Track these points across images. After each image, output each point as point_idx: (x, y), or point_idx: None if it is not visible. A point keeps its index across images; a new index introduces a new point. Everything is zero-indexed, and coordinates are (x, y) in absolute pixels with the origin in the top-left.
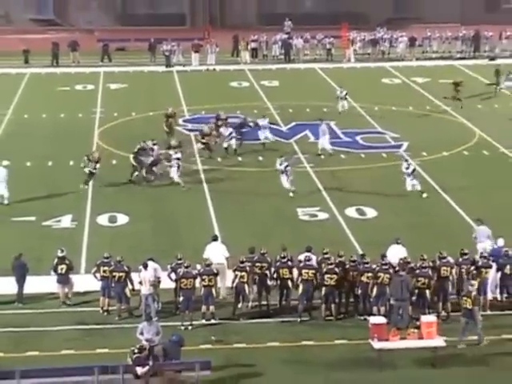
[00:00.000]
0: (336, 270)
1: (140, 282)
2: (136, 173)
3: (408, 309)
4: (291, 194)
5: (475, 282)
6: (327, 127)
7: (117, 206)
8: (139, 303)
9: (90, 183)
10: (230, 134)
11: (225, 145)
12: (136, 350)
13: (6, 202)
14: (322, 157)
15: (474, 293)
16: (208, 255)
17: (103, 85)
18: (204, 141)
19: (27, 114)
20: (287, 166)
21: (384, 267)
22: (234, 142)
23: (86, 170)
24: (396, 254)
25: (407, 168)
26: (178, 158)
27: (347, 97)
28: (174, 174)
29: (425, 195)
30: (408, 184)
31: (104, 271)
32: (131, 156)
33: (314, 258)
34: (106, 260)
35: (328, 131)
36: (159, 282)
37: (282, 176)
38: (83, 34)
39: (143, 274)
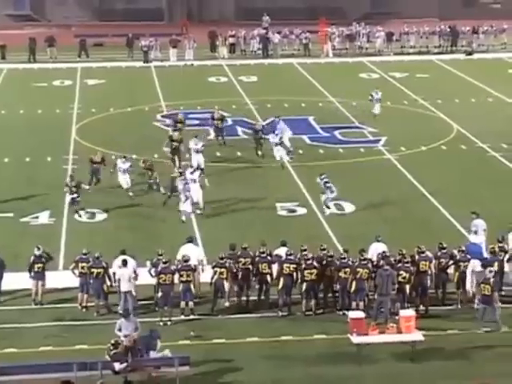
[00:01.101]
0: (315, 264)
1: (119, 279)
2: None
3: (388, 303)
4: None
5: (493, 269)
6: (284, 123)
7: (95, 202)
8: (118, 300)
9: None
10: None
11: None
12: (111, 347)
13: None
14: (301, 151)
15: (492, 279)
16: (181, 256)
17: (81, 80)
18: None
19: (4, 110)
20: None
21: (363, 262)
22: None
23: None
24: (377, 251)
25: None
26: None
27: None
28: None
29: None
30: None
31: (82, 267)
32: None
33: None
34: (84, 256)
35: (287, 128)
36: (135, 278)
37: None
38: (60, 30)
39: (122, 271)
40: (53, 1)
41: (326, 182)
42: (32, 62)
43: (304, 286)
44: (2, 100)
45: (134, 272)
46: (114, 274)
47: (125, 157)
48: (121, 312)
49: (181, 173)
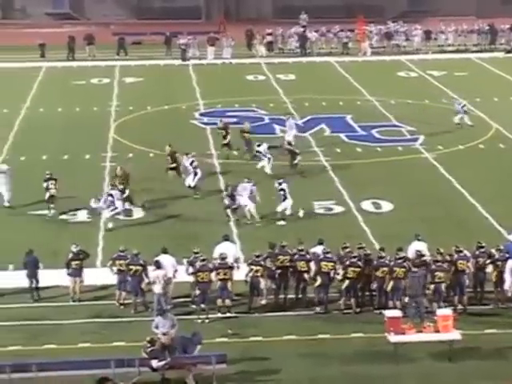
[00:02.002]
0: (359, 263)
1: (153, 282)
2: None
3: (423, 303)
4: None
5: None
6: (294, 123)
7: (133, 199)
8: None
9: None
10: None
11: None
12: (148, 344)
13: (6, 204)
14: (338, 150)
15: None
16: (217, 255)
17: (119, 78)
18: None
19: (43, 108)
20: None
21: (398, 261)
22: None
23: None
24: (416, 250)
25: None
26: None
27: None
28: (190, 180)
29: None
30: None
31: (120, 265)
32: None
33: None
34: (121, 254)
35: (295, 126)
36: (170, 279)
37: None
38: (99, 28)
39: (156, 273)
40: None
41: (282, 190)
42: (71, 60)
43: (346, 283)
44: (40, 98)
45: (174, 270)
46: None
47: (187, 154)
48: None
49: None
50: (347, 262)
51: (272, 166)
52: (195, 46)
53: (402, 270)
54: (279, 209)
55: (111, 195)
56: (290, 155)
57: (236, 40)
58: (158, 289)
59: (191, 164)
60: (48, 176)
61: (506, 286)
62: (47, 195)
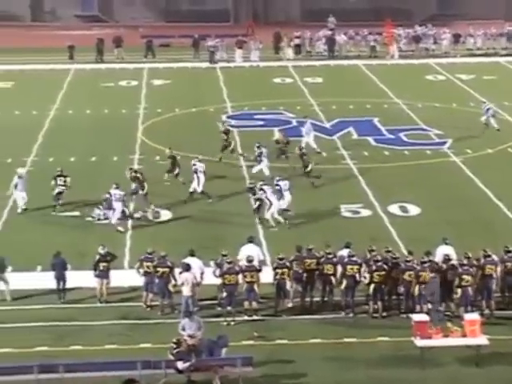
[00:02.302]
0: (385, 266)
1: (181, 284)
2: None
3: (439, 308)
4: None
5: None
6: (312, 125)
7: (160, 201)
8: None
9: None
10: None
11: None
12: (174, 345)
13: (19, 210)
14: (366, 153)
15: None
16: (242, 257)
17: (147, 81)
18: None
19: (72, 110)
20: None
21: (425, 265)
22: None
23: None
24: (444, 254)
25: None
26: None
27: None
28: (196, 186)
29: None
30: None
31: (147, 267)
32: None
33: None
34: (149, 255)
35: (313, 129)
36: (198, 283)
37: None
38: (127, 30)
39: (185, 276)
40: (120, 2)
41: (277, 185)
42: (99, 63)
43: (372, 287)
44: (69, 100)
45: (201, 272)
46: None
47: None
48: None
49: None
50: (373, 267)
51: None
52: (223, 48)
53: (429, 274)
54: (267, 216)
55: (109, 194)
56: (301, 161)
57: (264, 43)
58: (186, 291)
59: (193, 168)
60: (58, 173)
61: None
62: (55, 191)
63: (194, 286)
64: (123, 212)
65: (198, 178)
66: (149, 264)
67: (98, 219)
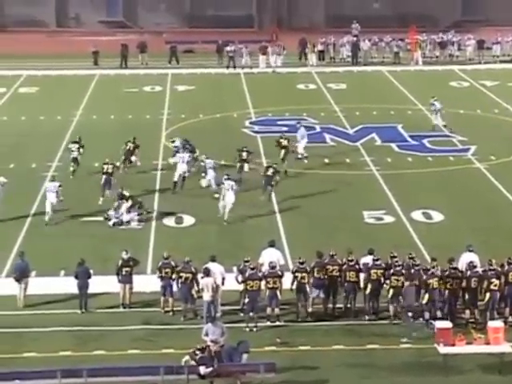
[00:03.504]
0: (403, 271)
1: (202, 289)
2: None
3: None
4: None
5: None
6: (306, 131)
7: (183, 207)
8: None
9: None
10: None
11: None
12: (197, 351)
13: (46, 218)
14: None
15: None
16: (263, 261)
17: (171, 86)
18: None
19: (96, 115)
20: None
21: (452, 272)
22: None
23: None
24: (468, 261)
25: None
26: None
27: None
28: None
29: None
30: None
31: (166, 272)
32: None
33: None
34: (166, 261)
35: (306, 135)
36: (218, 287)
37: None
38: (152, 36)
39: (205, 281)
40: (145, 8)
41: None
42: (124, 68)
43: (391, 292)
44: (93, 105)
45: (222, 278)
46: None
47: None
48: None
49: None
50: (391, 271)
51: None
52: (246, 54)
53: (456, 280)
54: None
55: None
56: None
57: (288, 49)
58: (207, 296)
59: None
60: (76, 139)
61: None
62: (71, 157)
63: (214, 290)
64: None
65: (207, 173)
66: (167, 270)
67: (109, 219)
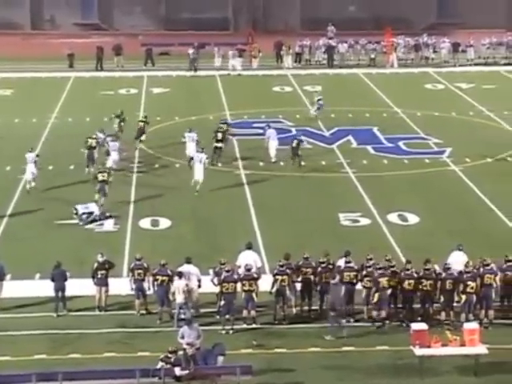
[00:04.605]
0: (374, 272)
1: (173, 292)
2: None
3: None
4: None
5: None
6: (275, 133)
7: (159, 209)
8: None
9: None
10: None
11: None
12: (170, 355)
13: (28, 186)
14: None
15: None
16: (240, 263)
17: (146, 89)
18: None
19: (71, 118)
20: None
21: (426, 273)
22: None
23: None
24: (457, 260)
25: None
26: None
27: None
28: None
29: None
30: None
31: (138, 274)
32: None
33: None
34: (138, 262)
35: (276, 137)
36: (192, 289)
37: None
38: (127, 39)
39: (177, 283)
40: (120, 10)
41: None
42: (99, 71)
43: (364, 292)
44: (68, 108)
45: (198, 280)
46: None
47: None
48: (182, 318)
49: None
50: (363, 272)
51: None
52: (219, 56)
53: (430, 282)
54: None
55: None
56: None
57: (263, 51)
58: (179, 299)
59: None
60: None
61: None
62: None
63: (185, 293)
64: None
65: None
66: (140, 271)
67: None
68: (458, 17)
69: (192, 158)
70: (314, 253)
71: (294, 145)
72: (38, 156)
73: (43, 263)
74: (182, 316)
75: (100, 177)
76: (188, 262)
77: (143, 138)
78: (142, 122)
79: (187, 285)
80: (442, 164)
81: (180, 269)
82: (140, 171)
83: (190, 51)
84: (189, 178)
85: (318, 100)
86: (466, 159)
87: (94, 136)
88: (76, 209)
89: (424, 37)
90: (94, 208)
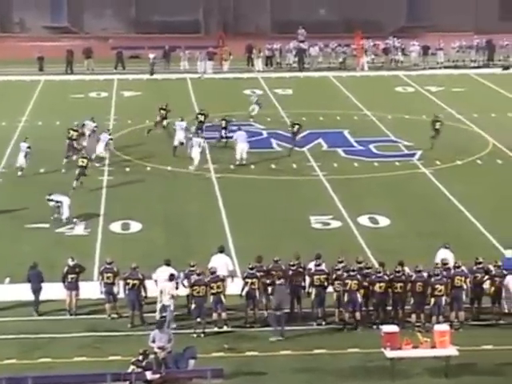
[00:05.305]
0: (345, 274)
1: (161, 291)
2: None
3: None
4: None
5: None
6: (245, 135)
7: (130, 213)
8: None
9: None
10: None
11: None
12: (141, 357)
13: (19, 173)
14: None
15: None
16: (212, 266)
17: (117, 92)
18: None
19: (41, 121)
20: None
21: (397, 275)
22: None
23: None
24: (445, 258)
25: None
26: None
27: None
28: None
29: None
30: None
31: (108, 277)
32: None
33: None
34: (108, 266)
35: (246, 140)
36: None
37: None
38: (97, 42)
39: (165, 284)
40: (90, 13)
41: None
42: (69, 74)
43: (334, 296)
44: (38, 111)
45: (176, 282)
46: (156, 281)
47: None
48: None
49: None
50: (333, 276)
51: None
52: (185, 59)
53: (400, 284)
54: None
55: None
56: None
57: (234, 54)
58: (165, 300)
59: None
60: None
61: (504, 302)
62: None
63: (171, 296)
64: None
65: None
66: (109, 275)
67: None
68: (427, 20)
69: (176, 147)
70: (285, 256)
71: (223, 125)
72: (29, 148)
73: (13, 267)
74: (163, 314)
75: (80, 162)
76: (167, 264)
77: (165, 123)
78: (163, 109)
79: (177, 288)
80: (412, 167)
81: (171, 272)
82: (111, 174)
83: (151, 55)
84: (160, 181)
85: (256, 101)
86: (436, 162)
87: (75, 128)
88: (50, 197)
89: (394, 40)
90: (64, 200)
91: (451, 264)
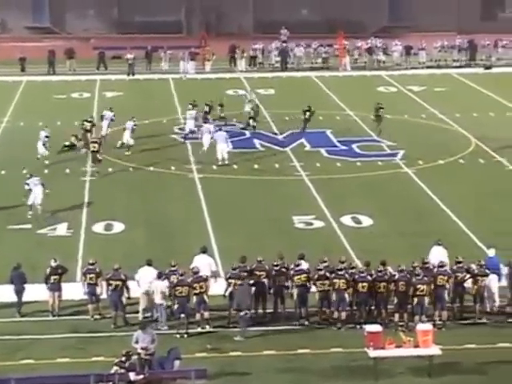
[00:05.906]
0: (327, 274)
1: (152, 291)
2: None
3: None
4: None
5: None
6: (224, 136)
7: (112, 213)
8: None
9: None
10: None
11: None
12: (124, 358)
13: (44, 160)
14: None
15: None
16: (195, 266)
17: (99, 93)
18: None
19: (23, 122)
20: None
21: (379, 275)
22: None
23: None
24: (437, 255)
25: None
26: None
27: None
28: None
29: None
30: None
31: (91, 278)
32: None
33: (304, 264)
34: (91, 266)
35: (226, 140)
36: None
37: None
38: (79, 42)
39: (156, 284)
40: (72, 13)
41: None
42: (51, 75)
43: (318, 296)
44: (20, 112)
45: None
46: (138, 281)
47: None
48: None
49: None
50: (315, 276)
51: None
52: (166, 60)
53: (383, 284)
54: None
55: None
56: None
57: (216, 54)
58: (157, 299)
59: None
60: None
61: (496, 300)
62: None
63: (163, 294)
64: None
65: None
66: (92, 276)
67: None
68: (409, 20)
69: (186, 135)
70: (268, 256)
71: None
72: (47, 137)
73: None
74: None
75: (91, 147)
76: (149, 264)
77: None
78: (88, 122)
79: (168, 287)
80: (394, 166)
81: (141, 272)
82: (93, 175)
83: (129, 56)
84: (143, 182)
85: (249, 101)
86: (418, 161)
87: (90, 119)
88: (27, 181)
89: (377, 40)
90: (37, 190)
91: (446, 260)
